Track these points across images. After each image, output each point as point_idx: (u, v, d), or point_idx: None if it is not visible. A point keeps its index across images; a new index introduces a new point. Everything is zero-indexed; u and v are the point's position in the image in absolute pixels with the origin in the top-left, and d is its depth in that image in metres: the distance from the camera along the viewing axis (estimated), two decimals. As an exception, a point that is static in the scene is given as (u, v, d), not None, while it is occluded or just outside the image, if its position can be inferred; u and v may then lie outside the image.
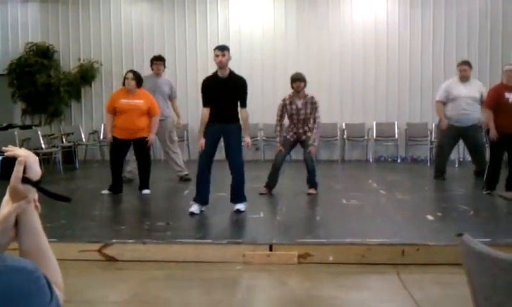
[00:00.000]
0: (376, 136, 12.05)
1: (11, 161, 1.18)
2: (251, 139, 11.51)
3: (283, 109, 7.58)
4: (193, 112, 11.24)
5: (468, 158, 9.73)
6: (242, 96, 6.36)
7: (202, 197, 6.36)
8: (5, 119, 12.06)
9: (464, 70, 8.50)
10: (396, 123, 11.99)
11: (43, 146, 10.35)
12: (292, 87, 7.50)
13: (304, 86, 7.49)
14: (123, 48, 12.50)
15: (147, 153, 7.99)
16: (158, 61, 8.97)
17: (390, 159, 12.08)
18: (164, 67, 9.07)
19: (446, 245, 4.87)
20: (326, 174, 9.89)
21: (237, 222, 6.06)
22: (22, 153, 1.20)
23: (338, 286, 4.38)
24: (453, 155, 9.66)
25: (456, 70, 8.77)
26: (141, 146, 7.84)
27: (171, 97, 9.03)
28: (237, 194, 6.41)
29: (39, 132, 10.43)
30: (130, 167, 8.91)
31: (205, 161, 6.34)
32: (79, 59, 12.36)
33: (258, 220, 6.15)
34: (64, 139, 11.71)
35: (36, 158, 1.23)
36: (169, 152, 9.07)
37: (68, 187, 8.54)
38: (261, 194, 7.55)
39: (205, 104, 6.38)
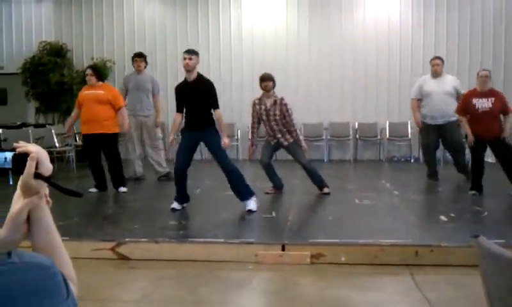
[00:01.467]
0: (389, 136, 11.99)
1: (23, 157, 1.19)
2: (262, 138, 11.55)
3: (254, 108, 7.51)
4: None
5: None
6: (212, 98, 6.36)
7: (180, 197, 6.54)
8: (19, 117, 12.15)
9: (437, 65, 8.50)
10: (409, 122, 11.92)
11: (56, 144, 10.42)
12: (261, 87, 7.40)
13: (273, 86, 7.40)
14: (135, 48, 12.52)
15: (115, 150, 7.95)
16: (139, 57, 8.94)
17: (403, 159, 12.02)
18: (146, 63, 9.03)
19: (460, 246, 4.84)
20: (339, 174, 9.87)
21: (249, 222, 6.05)
22: (33, 148, 1.20)
23: (351, 286, 4.36)
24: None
25: (430, 66, 8.76)
26: (107, 143, 7.81)
27: (154, 93, 8.97)
28: (240, 192, 6.44)
29: (52, 131, 10.50)
30: (138, 166, 8.97)
31: (182, 164, 6.41)
32: (92, 58, 12.42)
33: (270, 220, 6.14)
34: (77, 138, 11.77)
35: (47, 154, 1.24)
36: (149, 150, 9.01)
37: (80, 186, 8.59)
38: (266, 193, 7.55)
39: (177, 110, 6.50)
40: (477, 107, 7.18)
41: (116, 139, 7.96)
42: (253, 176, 8.63)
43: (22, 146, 1.22)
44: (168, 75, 12.09)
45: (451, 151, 8.75)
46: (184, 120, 6.47)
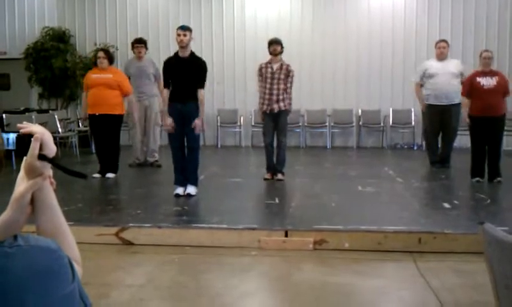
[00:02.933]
0: (392, 123, 11.97)
1: (27, 138, 1.18)
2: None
3: (260, 71, 7.56)
4: (206, 97, 11.22)
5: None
6: (200, 76, 6.38)
7: (181, 178, 6.48)
8: (22, 103, 12.15)
9: (443, 47, 8.53)
10: (413, 110, 11.87)
11: (59, 130, 10.41)
12: (269, 51, 7.53)
13: (281, 51, 7.53)
14: (138, 33, 12.44)
15: (117, 133, 7.94)
16: (139, 43, 8.89)
17: (406, 146, 11.99)
18: (146, 49, 8.99)
19: (463, 234, 4.84)
20: (342, 161, 9.87)
21: (253, 208, 6.06)
22: (37, 129, 1.20)
23: (354, 272, 4.37)
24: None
25: (434, 51, 8.73)
26: (112, 124, 7.79)
27: (157, 77, 8.85)
28: (191, 177, 6.47)
29: (56, 116, 10.49)
30: (141, 152, 8.95)
31: (177, 141, 6.43)
32: (95, 44, 12.37)
33: (273, 206, 6.15)
34: (80, 123, 11.77)
35: (51, 135, 1.23)
36: (150, 134, 8.93)
37: (84, 171, 8.55)
38: (265, 179, 7.52)
39: (165, 85, 6.50)
40: (482, 84, 7.23)
41: (120, 121, 7.95)
42: (258, 163, 8.63)
43: (26, 127, 1.21)
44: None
45: (445, 135, 8.72)
46: (169, 95, 6.45)
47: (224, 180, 7.42)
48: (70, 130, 11.16)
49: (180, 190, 6.46)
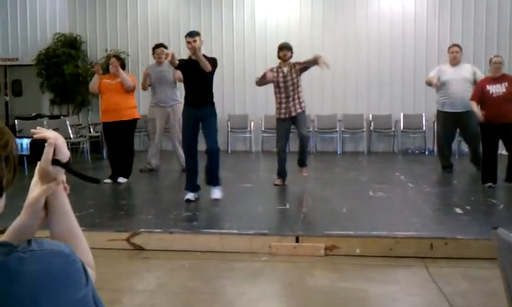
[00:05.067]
0: (403, 128, 11.92)
1: (41, 143, 1.19)
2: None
3: (266, 72, 7.44)
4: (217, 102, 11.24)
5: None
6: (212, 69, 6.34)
7: (192, 185, 6.48)
8: (34, 109, 12.24)
9: (456, 52, 8.43)
10: (424, 114, 11.83)
11: (71, 135, 10.47)
12: (279, 56, 7.49)
13: (291, 56, 7.49)
14: (149, 39, 12.55)
15: (131, 138, 7.96)
16: (159, 48, 8.79)
17: (417, 151, 11.93)
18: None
19: (475, 239, 4.80)
20: (352, 167, 9.84)
21: (263, 213, 6.05)
22: (51, 134, 1.21)
23: (366, 278, 4.34)
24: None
25: (448, 55, 8.64)
26: (125, 130, 7.80)
27: (176, 81, 8.74)
28: (213, 179, 6.48)
29: (67, 122, 10.55)
30: (154, 158, 8.96)
31: (189, 148, 6.45)
32: (106, 50, 12.45)
33: (284, 212, 6.14)
34: (91, 129, 11.83)
35: (64, 140, 1.24)
36: (176, 142, 8.79)
37: (95, 176, 8.61)
38: (275, 185, 7.49)
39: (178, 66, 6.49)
40: (491, 92, 7.18)
41: (134, 126, 7.98)
42: (268, 168, 8.62)
43: (40, 132, 1.22)
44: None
45: (468, 140, 8.66)
46: (184, 99, 6.48)
47: (235, 185, 7.41)
48: (81, 136, 11.22)
49: (190, 196, 6.46)
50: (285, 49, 7.47)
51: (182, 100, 8.65)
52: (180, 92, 8.74)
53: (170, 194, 7.45)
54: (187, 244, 5.05)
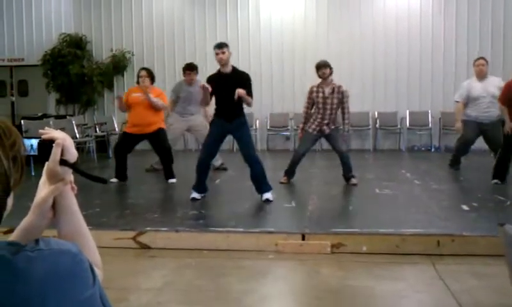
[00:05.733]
0: (409, 125, 11.88)
1: (48, 144, 1.19)
2: (282, 128, 11.57)
3: (311, 95, 7.46)
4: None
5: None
6: (248, 89, 6.29)
7: (201, 187, 6.49)
8: (40, 109, 12.29)
9: (482, 65, 8.22)
10: (430, 111, 11.79)
11: (77, 135, 10.50)
12: (318, 75, 7.41)
13: (331, 73, 7.37)
14: (154, 39, 12.59)
15: (164, 144, 7.94)
16: (190, 70, 8.65)
17: (423, 148, 11.90)
18: (197, 73, 8.74)
19: (482, 236, 4.79)
20: (358, 164, 9.78)
21: (269, 211, 6.05)
22: (58, 135, 1.21)
23: (373, 276, 4.34)
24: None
25: (473, 68, 8.45)
26: (157, 139, 7.82)
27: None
28: (260, 185, 6.41)
29: (73, 122, 10.59)
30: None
31: (208, 153, 6.45)
32: (112, 50, 12.48)
33: (290, 210, 6.13)
34: (97, 129, 11.86)
35: (72, 141, 1.25)
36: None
37: (102, 175, 8.63)
38: (281, 182, 7.49)
39: (206, 101, 6.47)
40: None
41: (164, 132, 7.94)
42: (273, 166, 8.62)
43: (47, 132, 1.22)
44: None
45: (493, 148, 8.53)
46: (214, 111, 6.46)
47: (241, 183, 7.41)
48: (87, 136, 11.24)
49: (196, 195, 6.47)
50: (323, 67, 7.34)
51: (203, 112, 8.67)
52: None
53: (176, 193, 7.46)
54: (193, 242, 5.06)
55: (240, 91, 6.07)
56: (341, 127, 7.48)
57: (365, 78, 12.08)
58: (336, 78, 11.75)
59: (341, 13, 12.12)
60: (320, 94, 7.37)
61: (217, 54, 6.24)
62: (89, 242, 1.29)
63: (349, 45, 12.04)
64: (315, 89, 7.44)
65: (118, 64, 12.47)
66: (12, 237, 1.20)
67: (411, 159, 10.88)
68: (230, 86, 6.18)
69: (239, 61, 12.39)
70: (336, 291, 4.06)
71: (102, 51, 12.70)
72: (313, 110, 7.53)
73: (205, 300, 3.98)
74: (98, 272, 1.17)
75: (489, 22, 11.74)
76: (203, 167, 6.47)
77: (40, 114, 11.68)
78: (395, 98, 12.00)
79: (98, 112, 12.71)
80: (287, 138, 12.11)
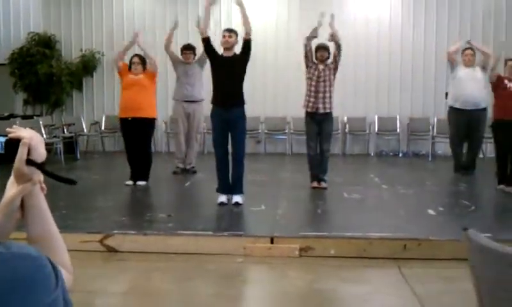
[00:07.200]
0: (378, 130, 12.02)
1: (15, 143, 1.17)
2: (253, 132, 11.57)
3: (309, 66, 7.52)
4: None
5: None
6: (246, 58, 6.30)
7: (225, 186, 6.38)
8: (6, 109, 12.03)
9: (471, 55, 8.56)
10: (398, 117, 11.95)
11: (44, 136, 10.33)
12: (316, 57, 7.49)
13: (328, 56, 7.50)
14: (125, 39, 12.42)
15: (150, 137, 7.87)
16: (187, 50, 8.77)
17: (391, 153, 12.04)
18: (195, 55, 8.80)
19: (448, 240, 4.87)
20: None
21: (238, 215, 6.04)
22: (25, 134, 1.18)
23: (340, 279, 4.37)
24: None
25: (461, 57, 8.75)
26: (145, 128, 7.68)
27: (201, 61, 8.61)
28: (237, 186, 6.39)
29: (40, 122, 10.40)
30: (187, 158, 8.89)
31: (221, 149, 6.36)
32: (81, 50, 12.31)
33: (259, 213, 6.14)
34: (65, 130, 11.68)
35: (41, 139, 1.22)
36: (192, 142, 8.83)
37: (68, 177, 8.50)
38: (314, 187, 7.42)
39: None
40: (508, 86, 7.30)
41: (153, 126, 7.88)
42: (248, 169, 8.62)
43: (15, 131, 1.19)
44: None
45: (473, 141, 8.69)
46: (212, 97, 6.37)
47: (210, 186, 7.39)
48: (55, 136, 11.06)
49: (223, 198, 6.35)
50: (322, 49, 7.46)
51: (203, 97, 8.57)
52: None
53: (145, 195, 7.40)
54: (161, 245, 5.02)
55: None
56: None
57: (335, 83, 12.14)
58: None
59: (312, 22, 12.11)
60: (316, 72, 7.44)
61: (224, 36, 6.25)
62: (58, 244, 1.27)
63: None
64: (311, 63, 7.50)
65: (88, 64, 12.29)
66: (-22, 238, 1.17)
67: (379, 164, 11.01)
68: (229, 69, 6.17)
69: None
70: (304, 295, 4.08)
71: (71, 51, 12.50)
72: (306, 90, 7.56)
73: (172, 304, 3.95)
74: (67, 275, 1.15)
75: (456, 30, 11.95)
76: (221, 165, 6.36)
77: (6, 114, 11.45)
78: (364, 104, 12.12)
79: (67, 113, 12.52)
80: (258, 141, 12.11)
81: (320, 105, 7.42)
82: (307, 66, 7.54)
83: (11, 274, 0.95)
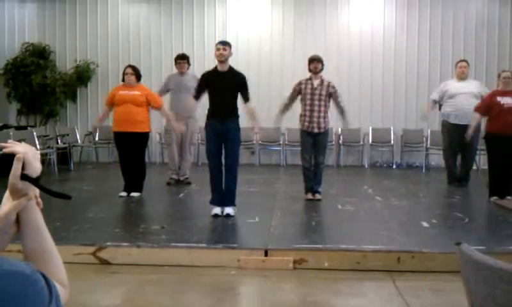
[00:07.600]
0: (372, 142, 12.05)
1: (10, 158, 1.17)
2: (247, 143, 11.58)
3: (297, 87, 7.46)
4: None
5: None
6: (244, 91, 6.37)
7: (218, 197, 6.37)
8: (0, 119, 12.00)
9: (464, 67, 8.62)
10: (392, 128, 12.00)
11: (38, 147, 10.29)
12: (309, 68, 7.44)
13: (322, 69, 7.43)
14: (119, 50, 12.47)
15: (143, 150, 7.85)
16: (181, 59, 8.79)
17: (385, 165, 12.08)
18: (189, 64, 8.89)
19: (441, 253, 4.87)
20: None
21: (232, 227, 6.03)
22: (20, 149, 1.18)
23: (333, 292, 4.36)
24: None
25: (454, 69, 8.81)
26: (138, 142, 7.66)
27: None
28: (229, 198, 6.39)
29: (34, 133, 10.37)
30: (183, 169, 8.88)
31: (215, 161, 6.36)
32: (75, 60, 12.32)
33: (253, 225, 6.13)
34: (59, 140, 11.66)
35: (37, 154, 1.22)
36: (186, 154, 8.85)
37: (62, 189, 8.49)
38: (308, 199, 7.43)
39: (195, 95, 6.54)
40: (502, 103, 7.32)
41: (147, 139, 7.86)
42: (242, 181, 8.60)
43: (9, 146, 1.19)
44: (151, 77, 11.95)
45: (466, 155, 8.72)
46: (208, 111, 6.40)
47: (204, 198, 7.38)
48: (48, 147, 11.04)
49: (217, 210, 6.35)
50: (315, 61, 7.39)
51: (197, 109, 8.45)
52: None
53: (138, 207, 7.37)
54: (154, 258, 5.00)
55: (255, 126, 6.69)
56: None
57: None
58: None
59: (306, 31, 12.24)
60: (309, 86, 7.38)
61: (218, 49, 6.26)
62: (54, 259, 1.26)
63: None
64: (303, 81, 7.45)
65: (82, 75, 12.30)
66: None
67: (373, 175, 11.03)
68: (224, 85, 6.20)
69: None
70: (298, 308, 4.06)
71: (65, 61, 12.51)
72: (301, 109, 7.53)
73: (166, 316, 3.93)
74: (63, 289, 1.15)
75: (450, 41, 12.04)
76: (215, 176, 6.35)
77: (0, 125, 11.41)
78: (358, 115, 12.14)
79: (61, 124, 12.50)
80: (252, 152, 12.12)
81: (315, 125, 7.40)
82: (299, 93, 7.52)
83: (3, 291, 0.94)
